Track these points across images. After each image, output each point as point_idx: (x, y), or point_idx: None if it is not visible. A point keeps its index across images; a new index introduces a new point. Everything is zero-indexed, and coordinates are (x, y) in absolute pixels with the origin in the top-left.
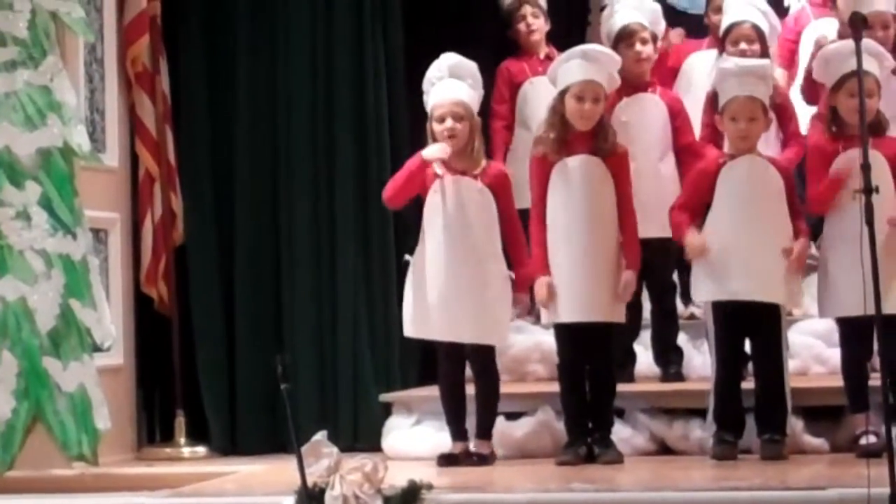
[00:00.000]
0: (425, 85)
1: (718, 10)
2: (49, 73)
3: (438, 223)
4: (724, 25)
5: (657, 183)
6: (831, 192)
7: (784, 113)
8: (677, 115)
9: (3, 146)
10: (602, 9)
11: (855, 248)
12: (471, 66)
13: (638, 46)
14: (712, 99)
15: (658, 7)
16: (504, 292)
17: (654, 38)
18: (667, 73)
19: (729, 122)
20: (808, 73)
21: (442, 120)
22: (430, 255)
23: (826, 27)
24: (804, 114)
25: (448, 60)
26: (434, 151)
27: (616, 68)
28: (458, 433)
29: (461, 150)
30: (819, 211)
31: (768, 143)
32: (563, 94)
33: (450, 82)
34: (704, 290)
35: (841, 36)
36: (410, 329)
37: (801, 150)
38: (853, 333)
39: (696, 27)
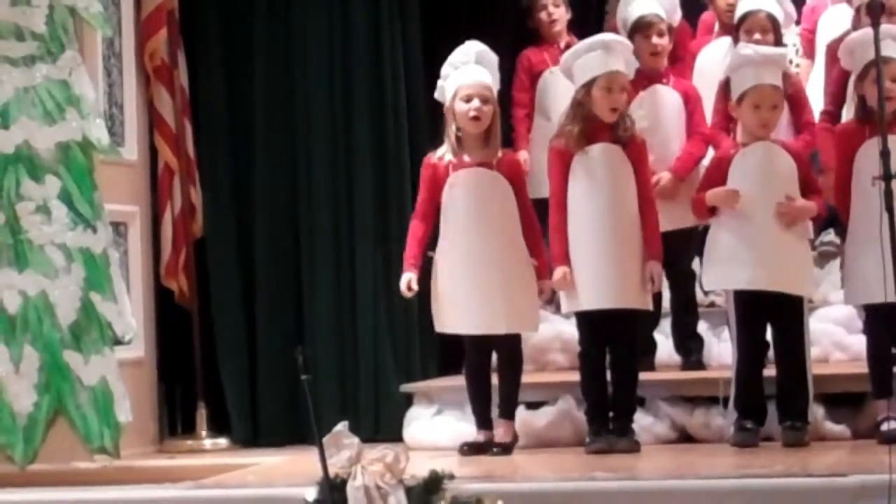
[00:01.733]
0: (445, 69)
1: None
2: (68, 68)
3: (459, 215)
4: (738, 12)
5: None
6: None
7: (797, 102)
8: (689, 101)
9: (23, 141)
10: None
11: (877, 234)
12: (493, 57)
13: (654, 39)
14: (724, 86)
15: None
16: (530, 279)
17: (671, 30)
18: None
19: (751, 110)
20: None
21: (469, 99)
22: (453, 248)
23: (842, 14)
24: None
25: (474, 47)
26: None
27: (631, 57)
28: (483, 422)
29: (483, 133)
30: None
31: (779, 131)
32: (587, 86)
33: (476, 67)
34: (716, 278)
35: (855, 25)
36: (443, 325)
37: (813, 139)
38: (879, 320)
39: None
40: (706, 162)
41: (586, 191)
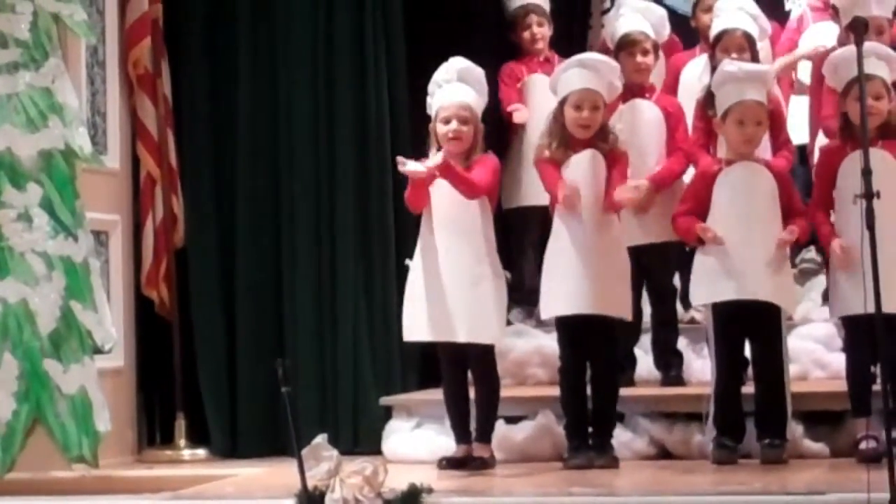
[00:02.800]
0: (431, 87)
1: (708, 9)
2: (51, 75)
3: (435, 223)
4: (714, 30)
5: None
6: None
7: (775, 120)
8: (670, 117)
9: (5, 148)
10: (604, 12)
11: (857, 250)
12: (478, 73)
13: (639, 57)
14: (704, 102)
15: (664, 13)
16: (498, 291)
17: (656, 48)
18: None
19: (734, 126)
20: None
21: (447, 121)
22: (425, 257)
23: (825, 31)
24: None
25: (457, 64)
26: (415, 168)
27: (616, 76)
28: (462, 436)
29: (463, 153)
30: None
31: (759, 149)
32: (562, 103)
33: (457, 85)
34: (702, 294)
35: (841, 42)
36: (408, 333)
37: (791, 156)
38: (859, 337)
39: (691, 31)
40: (687, 178)
41: None
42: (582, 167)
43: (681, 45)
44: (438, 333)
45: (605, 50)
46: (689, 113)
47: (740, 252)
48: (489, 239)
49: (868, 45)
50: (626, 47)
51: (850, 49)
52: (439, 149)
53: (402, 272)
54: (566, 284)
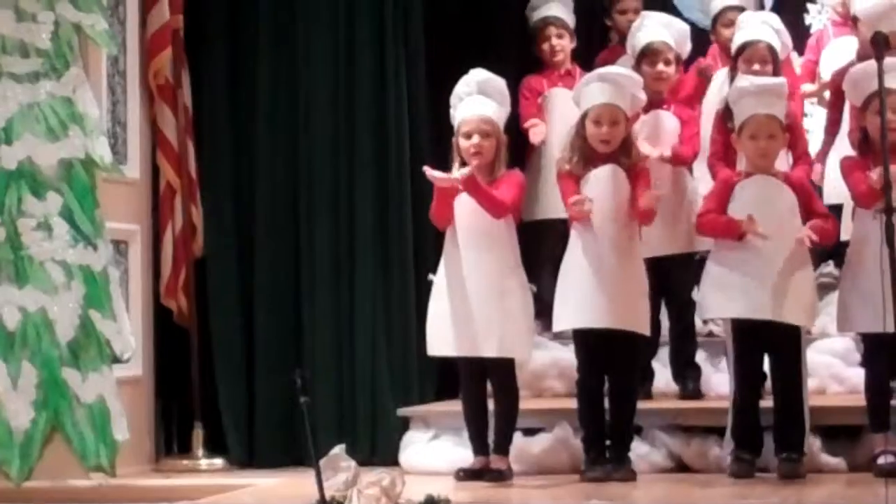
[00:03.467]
0: (453, 100)
1: (729, 24)
2: (72, 85)
3: (460, 238)
4: (737, 42)
5: (672, 198)
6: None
7: (793, 133)
8: (684, 124)
9: (26, 157)
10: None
11: (876, 265)
12: (499, 83)
13: (660, 66)
14: (722, 116)
15: (687, 28)
16: (525, 305)
17: (678, 60)
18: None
19: (748, 141)
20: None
21: (469, 136)
22: (450, 271)
23: (846, 46)
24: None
25: (477, 76)
26: (443, 179)
27: (638, 89)
28: (480, 448)
29: (486, 166)
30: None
31: (778, 163)
32: (583, 117)
33: (478, 98)
34: (712, 306)
35: (860, 56)
36: (433, 347)
37: (809, 169)
38: (879, 352)
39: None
40: (704, 191)
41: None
42: (602, 182)
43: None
44: (465, 349)
45: (613, 52)
46: (709, 126)
47: (756, 266)
48: (515, 252)
49: (889, 60)
50: (648, 56)
51: (871, 64)
52: (462, 163)
53: (421, 283)
54: (582, 298)
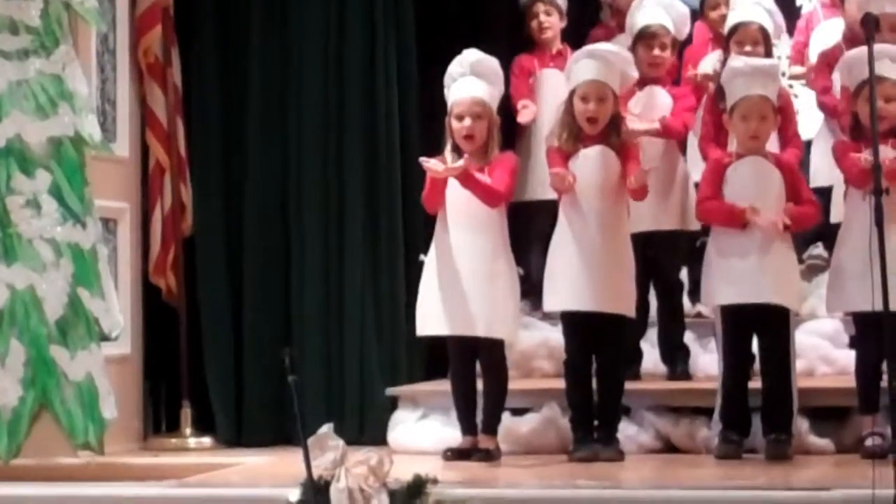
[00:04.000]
0: (446, 80)
1: (715, 6)
2: (61, 63)
3: (450, 220)
4: (729, 23)
5: (661, 175)
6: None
7: (784, 114)
8: (677, 99)
9: (14, 134)
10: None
11: (865, 246)
12: (492, 63)
13: (656, 51)
14: (714, 97)
15: (686, 11)
16: (512, 287)
17: (675, 44)
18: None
19: (739, 122)
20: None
21: (461, 118)
22: (440, 253)
23: (835, 28)
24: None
25: (470, 57)
26: (436, 167)
27: (629, 66)
28: (468, 428)
29: (479, 149)
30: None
31: (769, 144)
32: (572, 94)
33: (470, 80)
34: (716, 295)
35: (846, 38)
36: (423, 327)
37: (800, 151)
38: (868, 334)
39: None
40: (697, 178)
41: (579, 191)
42: (590, 162)
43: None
44: (455, 327)
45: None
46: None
47: (745, 250)
48: (504, 235)
49: (882, 46)
50: (644, 39)
51: (864, 49)
52: (454, 145)
53: (410, 263)
54: (570, 279)
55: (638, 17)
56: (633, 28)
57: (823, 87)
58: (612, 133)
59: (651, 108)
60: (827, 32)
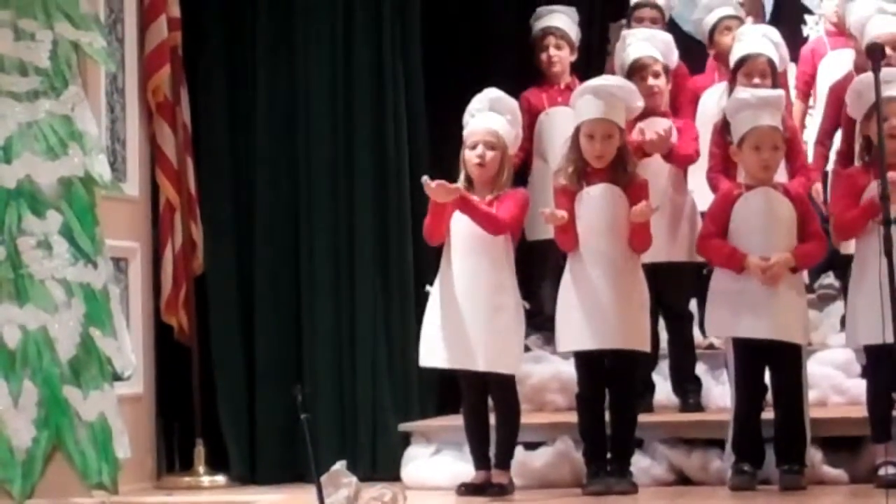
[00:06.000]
0: (465, 117)
1: (725, 31)
2: (70, 103)
3: (454, 253)
4: (736, 55)
5: (668, 207)
6: (864, 220)
7: (791, 145)
8: (680, 131)
9: (25, 175)
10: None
11: (877, 276)
12: (511, 104)
13: (650, 80)
14: (721, 129)
15: (670, 38)
16: (517, 321)
17: (667, 70)
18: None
19: (751, 152)
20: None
21: (474, 147)
22: (445, 285)
23: (843, 58)
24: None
25: (490, 94)
26: (440, 194)
27: (634, 98)
28: (482, 462)
29: (488, 181)
30: (844, 238)
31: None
32: (577, 131)
33: (487, 114)
34: (717, 326)
35: (857, 67)
36: (425, 359)
37: (808, 182)
38: (881, 364)
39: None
40: (704, 208)
41: (585, 231)
42: (595, 200)
43: (688, 71)
44: (456, 361)
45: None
46: (707, 139)
47: (756, 283)
48: (510, 269)
49: (889, 70)
50: (637, 72)
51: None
52: (467, 177)
53: (421, 298)
54: (579, 319)
55: (625, 55)
56: (623, 65)
57: (826, 130)
58: (619, 168)
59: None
60: (834, 62)
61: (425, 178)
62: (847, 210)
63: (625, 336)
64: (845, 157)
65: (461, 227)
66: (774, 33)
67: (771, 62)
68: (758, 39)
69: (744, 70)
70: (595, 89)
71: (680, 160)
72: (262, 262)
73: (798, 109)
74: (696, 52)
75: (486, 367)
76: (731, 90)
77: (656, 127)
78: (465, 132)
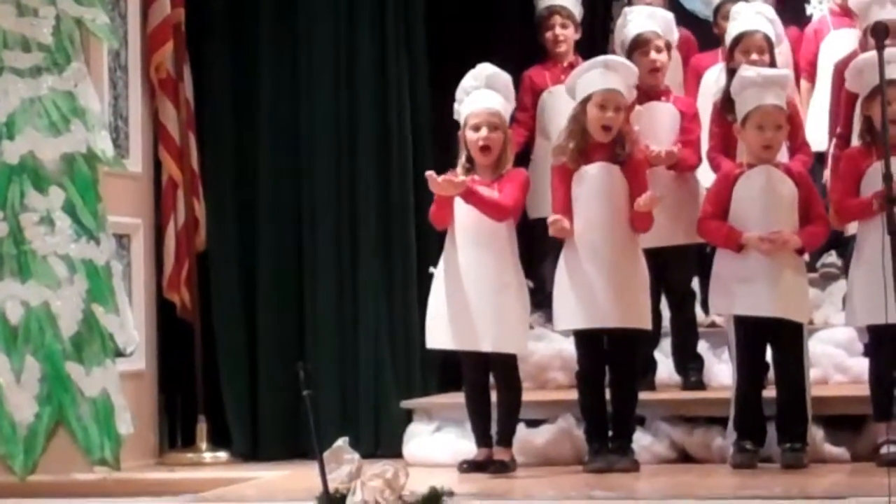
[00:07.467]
0: (459, 93)
1: (728, 16)
2: (73, 79)
3: (459, 234)
4: (731, 33)
5: (671, 190)
6: (861, 215)
7: (793, 123)
8: (684, 116)
9: (28, 151)
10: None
11: (879, 256)
12: (506, 79)
13: (653, 55)
14: (721, 108)
15: (671, 16)
16: (522, 302)
17: (669, 47)
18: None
19: (754, 131)
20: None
21: (477, 129)
22: (449, 266)
23: (846, 37)
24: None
25: (485, 70)
26: (445, 189)
27: (633, 80)
28: (483, 439)
29: (493, 163)
30: (841, 224)
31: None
32: (584, 102)
33: (486, 92)
34: (720, 304)
35: (863, 46)
36: (431, 340)
37: (809, 160)
38: (883, 342)
39: (710, 35)
40: (707, 184)
41: (583, 209)
42: (594, 180)
43: (696, 44)
44: (462, 342)
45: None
46: (708, 117)
47: (758, 261)
48: (513, 249)
49: (892, 51)
50: (639, 47)
51: (875, 54)
52: (469, 157)
53: (423, 276)
54: (578, 297)
55: (626, 31)
56: (624, 42)
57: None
58: (618, 146)
59: (652, 124)
60: (838, 42)
61: (430, 174)
62: (847, 195)
63: (623, 315)
64: (844, 139)
65: (463, 211)
66: (769, 10)
67: (767, 38)
68: (752, 16)
69: (741, 47)
70: (605, 62)
71: (685, 170)
72: (265, 238)
73: (805, 89)
74: (696, 31)
75: (492, 348)
76: (728, 69)
77: (656, 114)
78: (465, 112)
